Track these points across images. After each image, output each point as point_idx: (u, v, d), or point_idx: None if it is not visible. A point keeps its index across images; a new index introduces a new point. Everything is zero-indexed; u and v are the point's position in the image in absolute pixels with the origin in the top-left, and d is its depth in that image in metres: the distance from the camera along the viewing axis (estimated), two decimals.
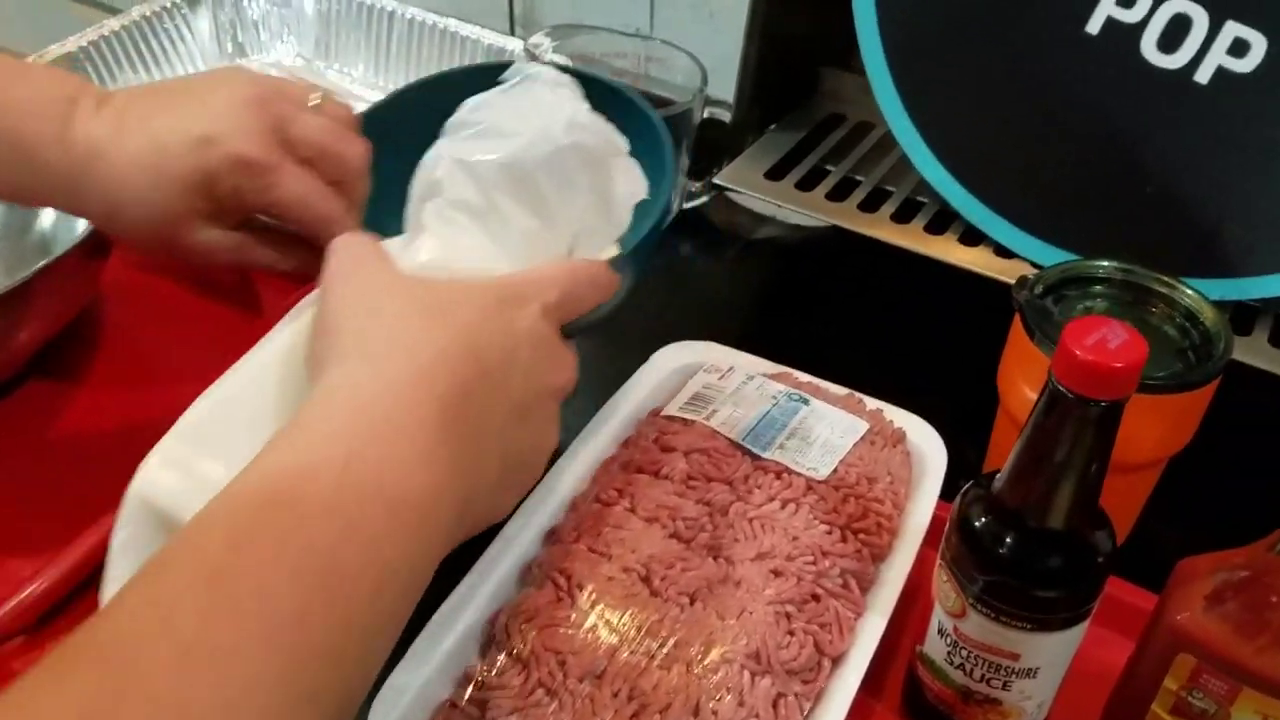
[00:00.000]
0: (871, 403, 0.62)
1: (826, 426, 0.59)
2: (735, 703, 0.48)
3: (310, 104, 0.54)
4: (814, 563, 0.53)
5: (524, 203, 0.50)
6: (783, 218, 0.86)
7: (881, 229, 0.76)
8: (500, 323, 0.44)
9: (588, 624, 0.51)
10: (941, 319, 0.77)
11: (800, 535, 0.54)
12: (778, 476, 0.57)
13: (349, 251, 0.46)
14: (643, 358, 0.74)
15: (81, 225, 0.73)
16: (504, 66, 0.55)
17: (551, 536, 0.56)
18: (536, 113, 0.51)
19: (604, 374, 0.74)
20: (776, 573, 0.53)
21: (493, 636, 0.52)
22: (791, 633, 0.51)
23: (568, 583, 0.52)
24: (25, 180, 0.52)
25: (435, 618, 0.52)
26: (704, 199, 0.84)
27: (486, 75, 0.56)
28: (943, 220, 0.77)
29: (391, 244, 0.50)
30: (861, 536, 0.55)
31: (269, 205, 0.53)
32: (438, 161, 0.50)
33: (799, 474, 0.57)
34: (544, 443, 0.48)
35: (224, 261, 0.55)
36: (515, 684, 0.49)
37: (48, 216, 0.74)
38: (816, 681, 0.50)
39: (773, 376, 0.63)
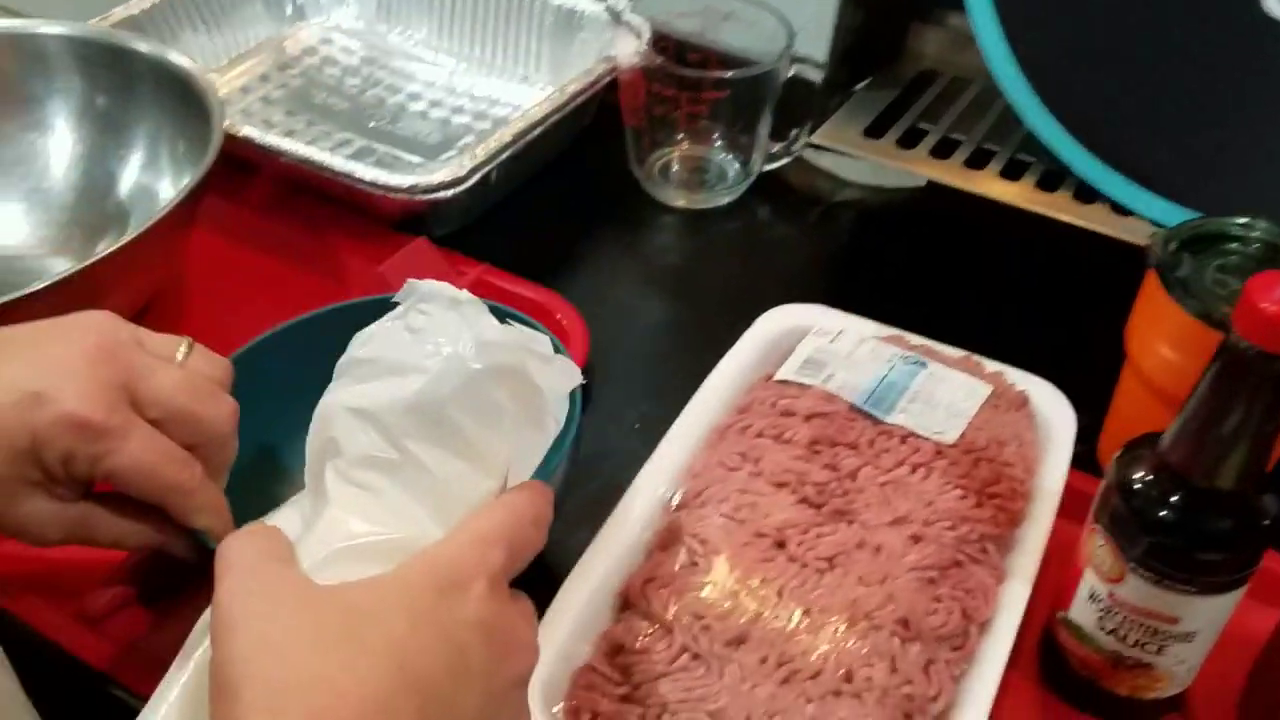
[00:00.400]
0: (990, 365, 0.61)
1: (948, 390, 0.58)
2: (888, 669, 0.47)
3: (177, 356, 0.47)
4: (952, 528, 0.52)
5: (444, 445, 0.41)
6: (864, 180, 0.84)
7: (992, 187, 0.74)
8: (438, 627, 0.36)
9: (726, 589, 0.49)
10: (1051, 280, 0.76)
11: (935, 500, 0.53)
12: (903, 441, 0.56)
13: (240, 562, 0.37)
14: (730, 323, 0.73)
15: (163, 194, 0.72)
16: (386, 304, 0.46)
17: (675, 503, 0.55)
18: (437, 339, 0.43)
19: (694, 341, 0.72)
20: (916, 538, 0.51)
21: (627, 602, 0.51)
22: (938, 599, 0.49)
23: (703, 548, 0.51)
24: None
25: (565, 585, 0.51)
26: (784, 161, 0.83)
27: (370, 311, 0.46)
28: (1052, 180, 0.75)
29: (291, 525, 0.42)
30: (996, 502, 0.54)
31: (106, 474, 0.44)
32: (332, 415, 0.42)
33: (926, 438, 0.55)
34: None
35: (55, 540, 0.46)
36: (660, 649, 0.48)
37: (126, 184, 0.73)
38: (965, 648, 0.49)
39: (885, 340, 0.62)
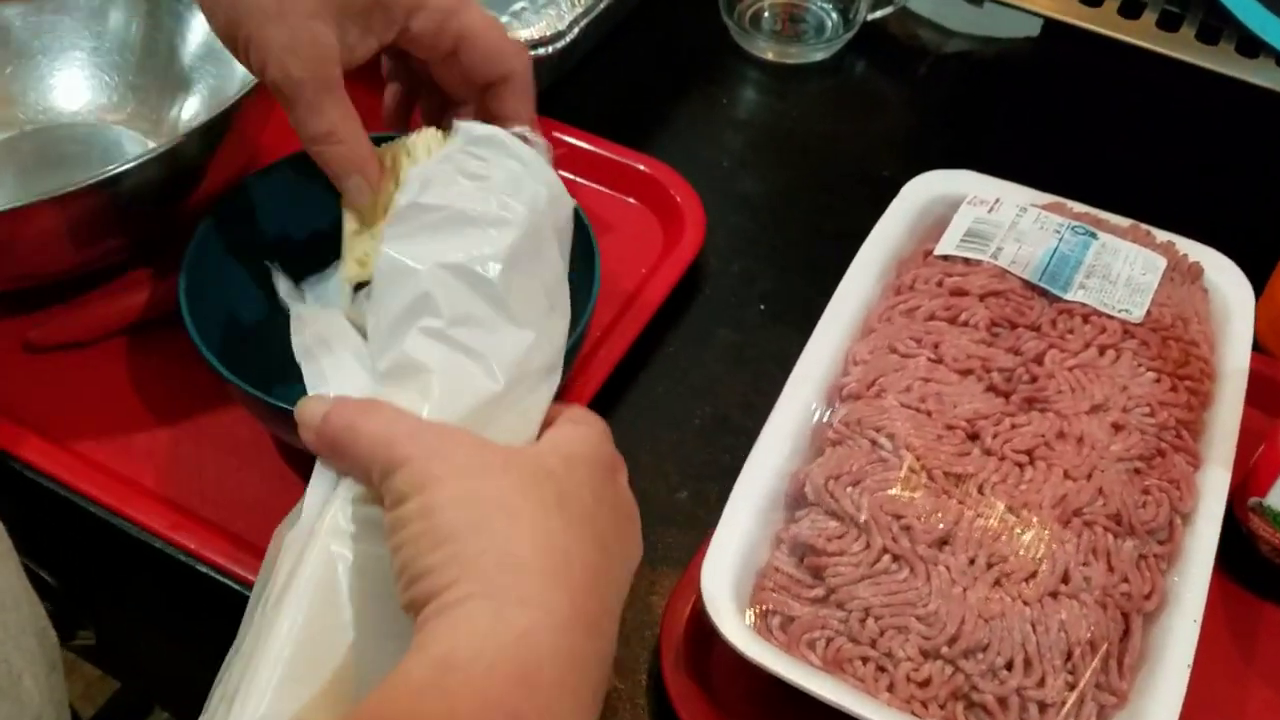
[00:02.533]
0: (1160, 234, 0.57)
1: (1124, 262, 0.54)
2: (1105, 568, 0.44)
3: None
4: (1151, 414, 0.49)
5: (532, 300, 0.41)
6: (973, 30, 0.78)
7: (1114, 24, 0.68)
8: (609, 506, 0.38)
9: (922, 486, 0.46)
10: (1188, 130, 0.71)
11: (1129, 385, 0.50)
12: (1085, 320, 0.52)
13: (427, 439, 0.36)
14: (844, 190, 0.68)
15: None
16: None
17: (842, 392, 0.51)
18: (506, 191, 0.41)
19: (808, 210, 0.67)
20: (1117, 426, 0.48)
21: (804, 498, 0.47)
22: (1147, 491, 0.47)
23: (890, 442, 0.47)
24: None
25: (740, 481, 0.48)
26: (888, 10, 0.76)
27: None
28: (1172, 19, 0.69)
29: (358, 381, 0.40)
30: (1188, 384, 0.50)
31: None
32: (416, 271, 0.39)
33: (1110, 316, 0.52)
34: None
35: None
36: (856, 550, 0.45)
37: (190, 47, 0.65)
38: (1173, 540, 0.46)
39: (1046, 207, 0.57)
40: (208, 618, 0.46)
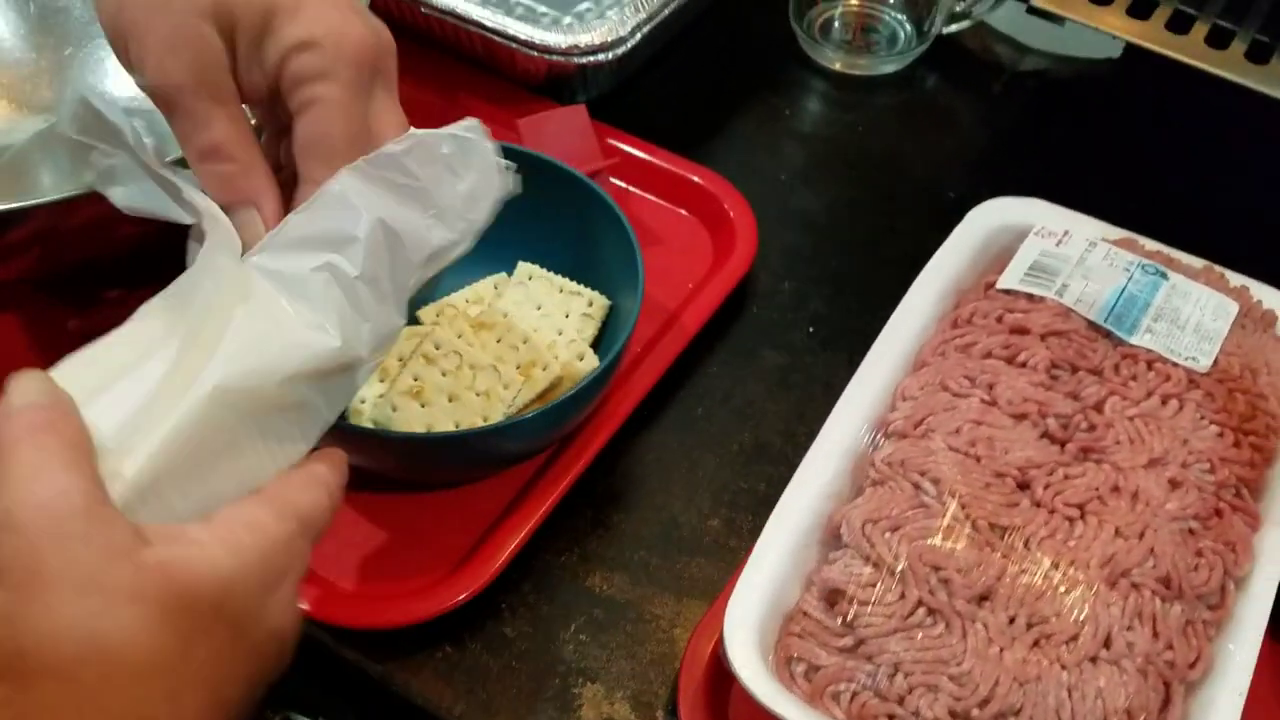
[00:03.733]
0: (1235, 278, 0.54)
1: (1194, 306, 0.51)
2: (1149, 633, 0.42)
3: None
4: (1211, 471, 0.46)
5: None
6: (1050, 48, 0.75)
7: (1200, 54, 0.65)
8: (250, 645, 0.32)
9: (965, 536, 0.44)
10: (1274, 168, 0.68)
11: (1190, 438, 0.47)
12: (1150, 366, 0.49)
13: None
14: (909, 210, 0.66)
15: None
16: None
17: (888, 428, 0.49)
18: (469, 197, 0.40)
19: (868, 231, 0.65)
20: (1175, 483, 0.46)
21: (840, 539, 0.46)
22: (1200, 553, 0.44)
23: (935, 488, 0.45)
24: None
25: (773, 518, 0.46)
26: (965, 24, 0.74)
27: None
28: (1261, 49, 0.66)
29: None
30: (1252, 440, 0.48)
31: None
32: (357, 212, 0.37)
33: (1175, 364, 0.49)
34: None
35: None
36: (890, 600, 0.43)
37: None
38: (1224, 606, 0.44)
39: (1117, 243, 0.55)
40: None
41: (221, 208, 0.38)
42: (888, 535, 0.45)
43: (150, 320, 0.37)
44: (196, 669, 0.30)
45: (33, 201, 0.48)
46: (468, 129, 0.41)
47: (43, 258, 0.54)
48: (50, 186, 0.59)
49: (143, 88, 0.38)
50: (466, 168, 0.41)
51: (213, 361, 0.34)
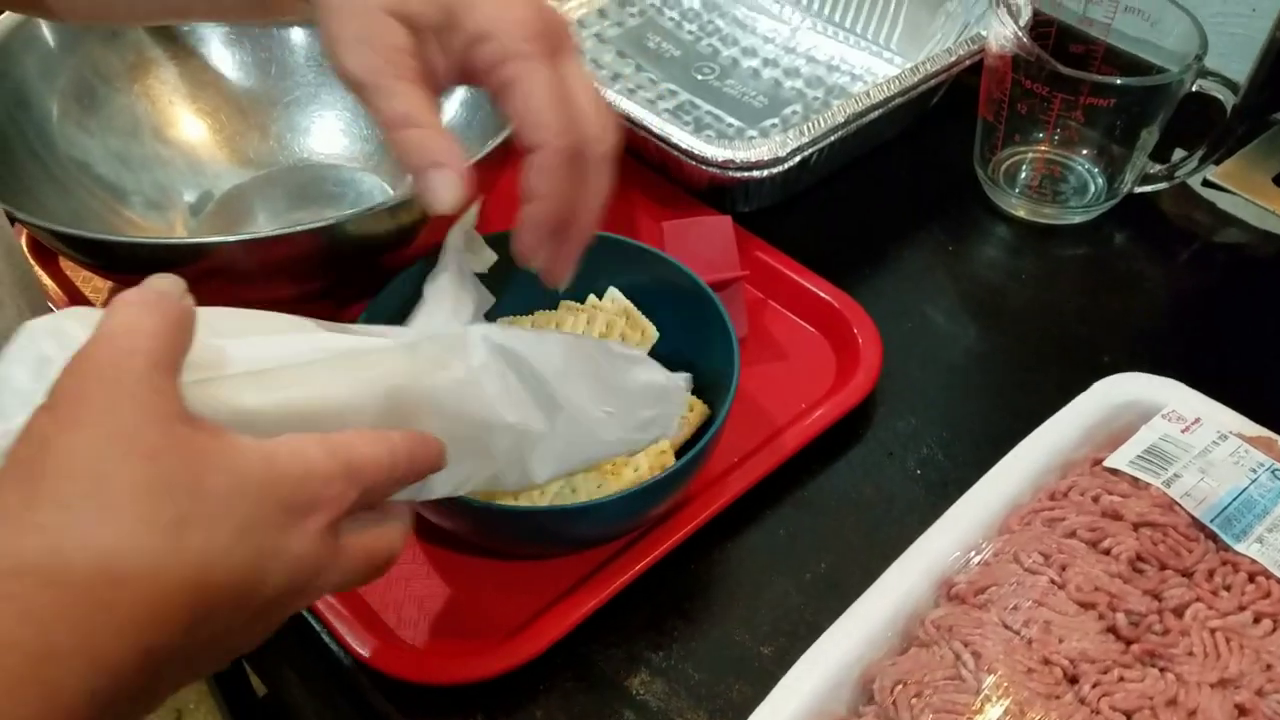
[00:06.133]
0: None
1: None
2: None
3: None
4: None
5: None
6: (1255, 221, 0.70)
7: None
8: (257, 552, 0.32)
9: (993, 718, 0.42)
10: None
11: (1276, 664, 0.43)
12: (1251, 579, 0.45)
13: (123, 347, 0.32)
14: (1053, 372, 0.63)
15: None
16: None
17: (949, 590, 0.47)
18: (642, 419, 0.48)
19: (1004, 385, 0.63)
20: (1243, 710, 0.42)
21: (871, 696, 0.44)
22: None
23: (974, 661, 0.43)
24: None
25: (804, 658, 0.45)
26: (1160, 186, 0.70)
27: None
28: None
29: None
30: None
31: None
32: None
33: None
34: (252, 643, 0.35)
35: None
36: None
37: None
38: None
39: (1251, 440, 0.51)
40: None
41: (414, 173, 0.43)
42: (914, 701, 0.43)
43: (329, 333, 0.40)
44: (183, 553, 0.30)
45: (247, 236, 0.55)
46: (684, 378, 0.49)
47: (219, 290, 0.61)
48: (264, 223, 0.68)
49: (344, 76, 0.44)
50: (659, 401, 0.48)
51: (395, 363, 0.39)
